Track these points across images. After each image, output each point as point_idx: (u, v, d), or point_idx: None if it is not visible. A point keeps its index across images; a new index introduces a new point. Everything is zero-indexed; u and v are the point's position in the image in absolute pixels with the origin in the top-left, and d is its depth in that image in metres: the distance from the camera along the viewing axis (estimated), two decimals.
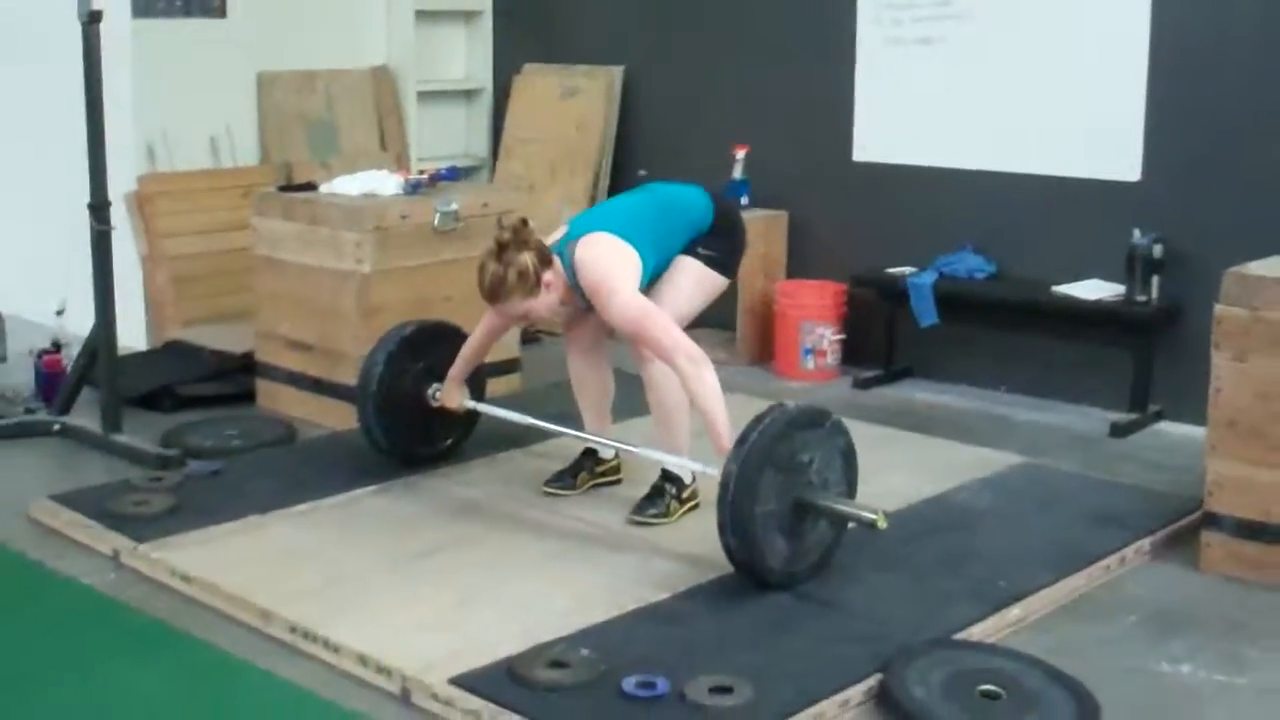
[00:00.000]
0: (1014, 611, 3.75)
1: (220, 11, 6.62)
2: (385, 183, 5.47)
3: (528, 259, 4.05)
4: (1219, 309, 4.04)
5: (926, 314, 5.87)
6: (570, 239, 4.22)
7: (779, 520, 3.77)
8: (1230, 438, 4.04)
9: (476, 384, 4.84)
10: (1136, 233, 5.43)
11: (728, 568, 3.86)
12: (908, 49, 6.06)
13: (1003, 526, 4.35)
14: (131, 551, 4.10)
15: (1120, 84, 5.51)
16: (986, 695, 3.25)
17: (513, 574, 3.96)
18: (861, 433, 5.17)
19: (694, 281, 4.39)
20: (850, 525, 3.91)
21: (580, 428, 4.58)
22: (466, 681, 3.27)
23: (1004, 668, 3.38)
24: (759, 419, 3.80)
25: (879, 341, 6.19)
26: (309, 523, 4.35)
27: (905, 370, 6.21)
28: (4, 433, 5.23)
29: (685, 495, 4.37)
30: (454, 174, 5.92)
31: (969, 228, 6.01)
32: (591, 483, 4.60)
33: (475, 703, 3.19)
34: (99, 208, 4.97)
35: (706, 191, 4.48)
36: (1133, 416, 5.49)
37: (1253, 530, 4.02)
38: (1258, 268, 4.07)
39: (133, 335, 6.41)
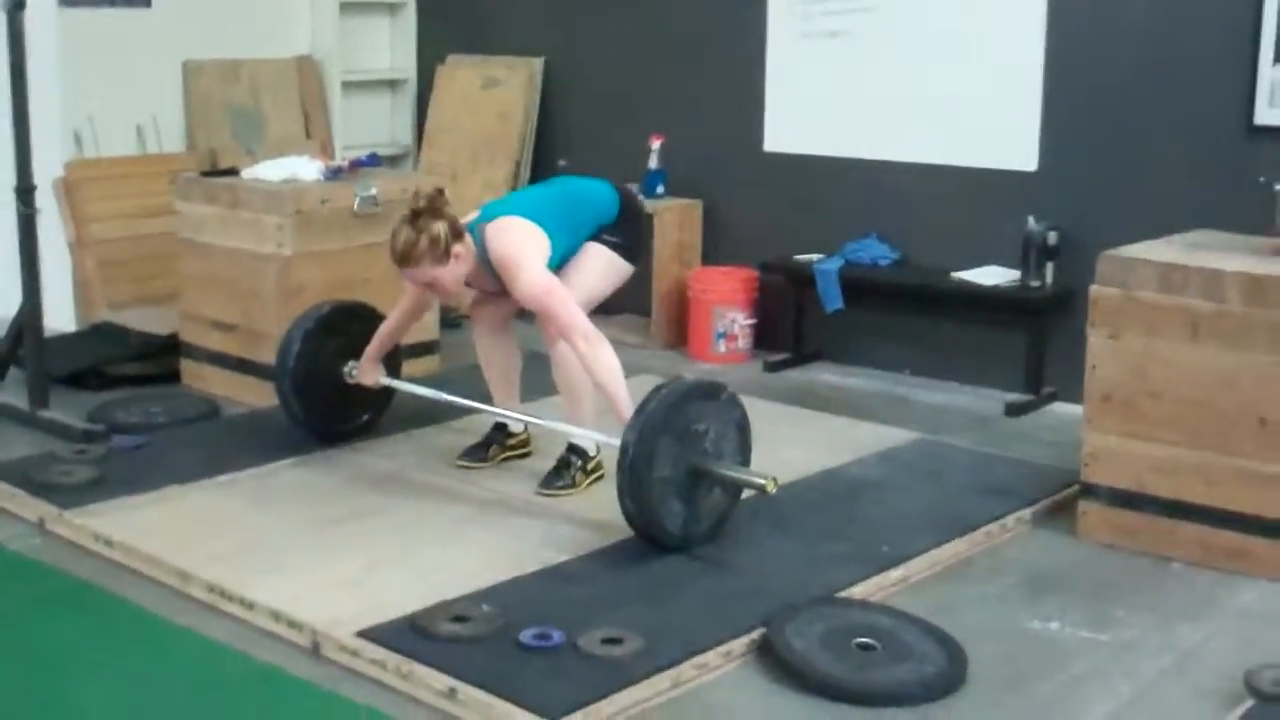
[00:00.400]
0: (896, 573, 3.97)
1: (145, 2, 6.72)
2: (306, 168, 5.62)
3: (440, 228, 4.24)
4: (1094, 289, 4.28)
5: (832, 299, 6.10)
6: (483, 220, 4.42)
7: (675, 486, 3.97)
8: (1105, 411, 4.28)
9: (392, 363, 5.02)
10: (1031, 220, 5.67)
11: (629, 532, 4.06)
12: (816, 42, 6.29)
13: (892, 496, 4.57)
14: (56, 518, 4.25)
15: (1017, 78, 5.75)
16: (862, 647, 3.46)
17: (423, 539, 4.14)
18: (765, 411, 5.44)
19: (601, 265, 4.59)
20: (744, 493, 4.14)
21: (491, 405, 4.77)
22: (373, 634, 3.45)
23: (880, 623, 3.60)
24: (657, 390, 4.02)
25: (789, 326, 6.41)
26: (228, 492, 4.52)
27: (815, 354, 6.43)
28: None
29: (590, 467, 4.56)
30: (374, 160, 6.09)
31: (875, 216, 6.23)
32: (502, 456, 4.79)
33: (380, 653, 3.37)
34: (24, 191, 5.09)
35: (613, 186, 4.70)
36: (1027, 397, 5.73)
37: (1126, 499, 4.26)
38: (1132, 250, 4.31)
39: (62, 317, 6.51)
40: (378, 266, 5.55)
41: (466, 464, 4.74)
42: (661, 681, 3.31)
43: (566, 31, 7.18)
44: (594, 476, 4.56)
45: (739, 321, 6.41)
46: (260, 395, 5.45)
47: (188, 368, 5.81)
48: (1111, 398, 4.25)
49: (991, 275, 5.80)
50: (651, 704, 3.27)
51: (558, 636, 3.43)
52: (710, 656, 3.43)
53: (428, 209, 4.26)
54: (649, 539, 4.01)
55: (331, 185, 5.58)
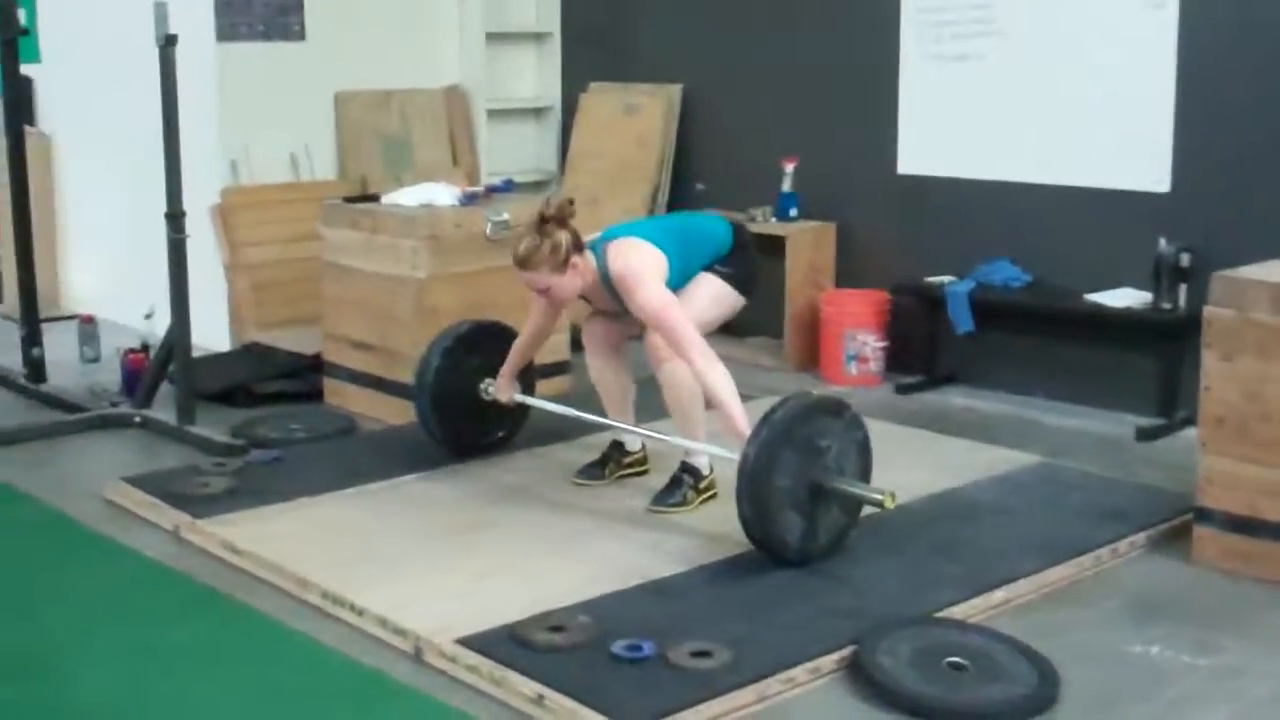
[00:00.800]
0: (998, 595, 3.96)
1: (300, 35, 7.02)
2: (443, 194, 5.82)
3: (563, 237, 4.38)
4: (1208, 310, 4.22)
5: (963, 321, 6.08)
6: (604, 240, 4.54)
7: (794, 498, 4.03)
8: (1219, 435, 4.21)
9: (527, 381, 5.17)
10: (1162, 242, 5.59)
11: (734, 549, 4.14)
12: (948, 64, 6.28)
13: (1004, 519, 4.55)
14: (189, 526, 4.48)
15: (1149, 97, 5.68)
16: (953, 667, 3.47)
17: (533, 551, 4.27)
18: (888, 433, 5.47)
19: (713, 294, 4.68)
20: (862, 510, 4.20)
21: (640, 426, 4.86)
22: (471, 642, 3.57)
23: (974, 643, 3.60)
24: (783, 401, 4.11)
25: (921, 349, 6.40)
26: (353, 504, 4.70)
27: (948, 377, 6.40)
28: (90, 424, 5.67)
29: (703, 485, 4.64)
30: (509, 186, 6.27)
31: (1007, 238, 6.20)
32: (619, 474, 4.89)
33: (476, 659, 3.49)
34: (174, 217, 5.37)
35: (727, 221, 4.83)
36: (1159, 422, 5.63)
37: (1241, 524, 4.18)
38: (1247, 271, 4.24)
39: (216, 337, 6.85)
40: (511, 289, 5.66)
41: (583, 481, 4.85)
42: (746, 695, 3.37)
43: (704, 58, 7.28)
44: (706, 495, 4.63)
45: (870, 344, 6.42)
46: (396, 413, 5.65)
47: (330, 386, 6.05)
48: (1225, 421, 4.18)
49: (1123, 298, 5.73)
50: (734, 717, 3.32)
51: (648, 648, 3.51)
52: (798, 672, 3.48)
53: (554, 217, 4.40)
54: (764, 548, 4.07)
55: (466, 210, 5.76)
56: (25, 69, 7.95)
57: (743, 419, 4.17)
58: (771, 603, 3.86)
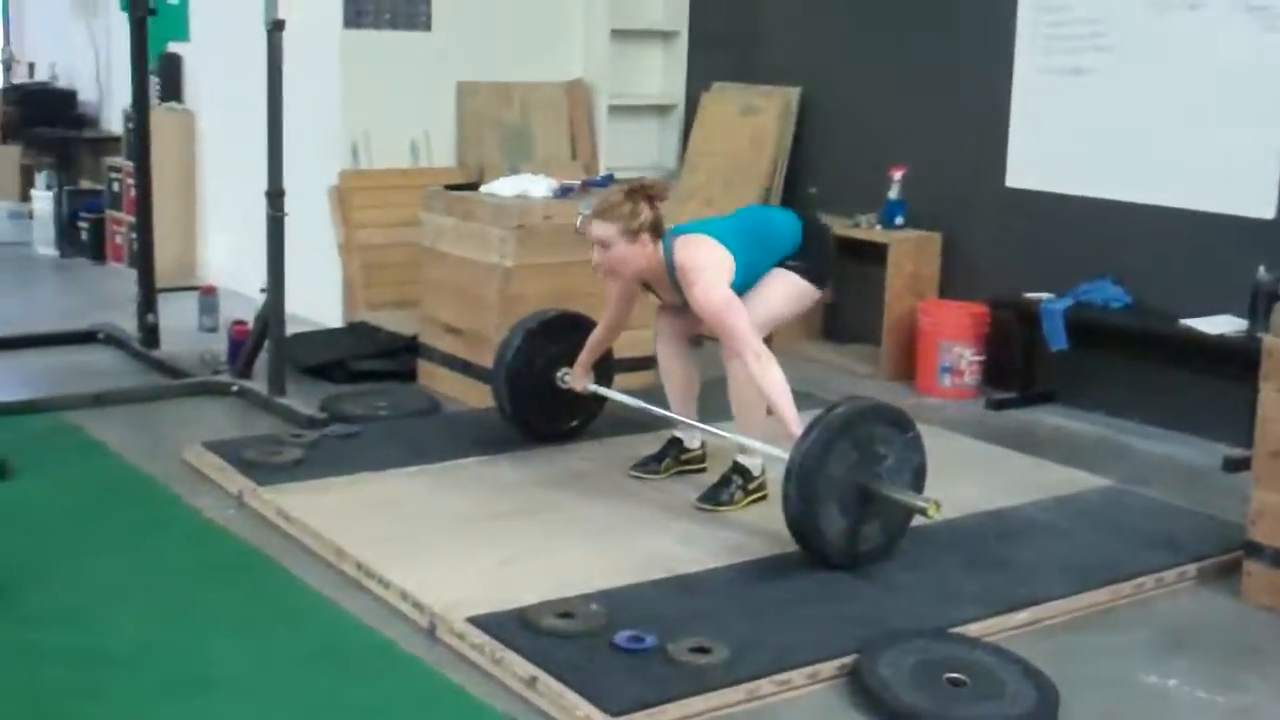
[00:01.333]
0: (1021, 615, 3.91)
1: (426, 25, 7.20)
2: (538, 185, 5.92)
3: (646, 210, 4.48)
4: (1268, 341, 4.11)
5: (1056, 339, 5.97)
6: (674, 234, 4.59)
7: (840, 492, 4.03)
8: (1274, 469, 4.09)
9: (606, 373, 5.25)
10: (1261, 269, 5.42)
11: (769, 550, 4.17)
12: (1060, 78, 6.17)
13: (1052, 540, 4.47)
14: (251, 492, 4.66)
15: (1258, 122, 5.52)
16: (952, 683, 3.44)
17: (569, 539, 4.34)
18: (965, 447, 5.45)
19: (784, 289, 4.67)
20: (910, 522, 4.20)
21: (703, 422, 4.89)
22: (481, 621, 3.66)
23: (981, 661, 3.56)
24: (853, 398, 4.19)
25: (1019, 364, 6.30)
26: (412, 482, 4.83)
27: (1046, 395, 6.29)
28: (189, 390, 5.93)
29: (752, 486, 4.65)
30: (607, 181, 6.32)
31: (1110, 257, 6.07)
32: (675, 469, 4.93)
33: (482, 638, 3.58)
34: (274, 196, 5.57)
35: (796, 214, 4.82)
36: (1248, 453, 5.43)
37: None
38: None
39: (330, 314, 7.08)
40: (597, 282, 5.81)
41: (638, 474, 4.91)
42: (736, 694, 3.39)
43: (823, 62, 7.26)
44: (755, 496, 4.64)
45: (966, 357, 6.34)
46: (481, 397, 5.76)
47: (423, 368, 6.21)
48: None
49: (1219, 324, 5.56)
50: (720, 714, 3.35)
51: (650, 640, 3.55)
52: (794, 675, 3.49)
53: (649, 192, 4.51)
54: (800, 536, 4.07)
55: (558, 202, 5.86)
56: (174, 47, 8.40)
57: (796, 421, 4.18)
58: (787, 604, 3.87)
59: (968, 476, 5.03)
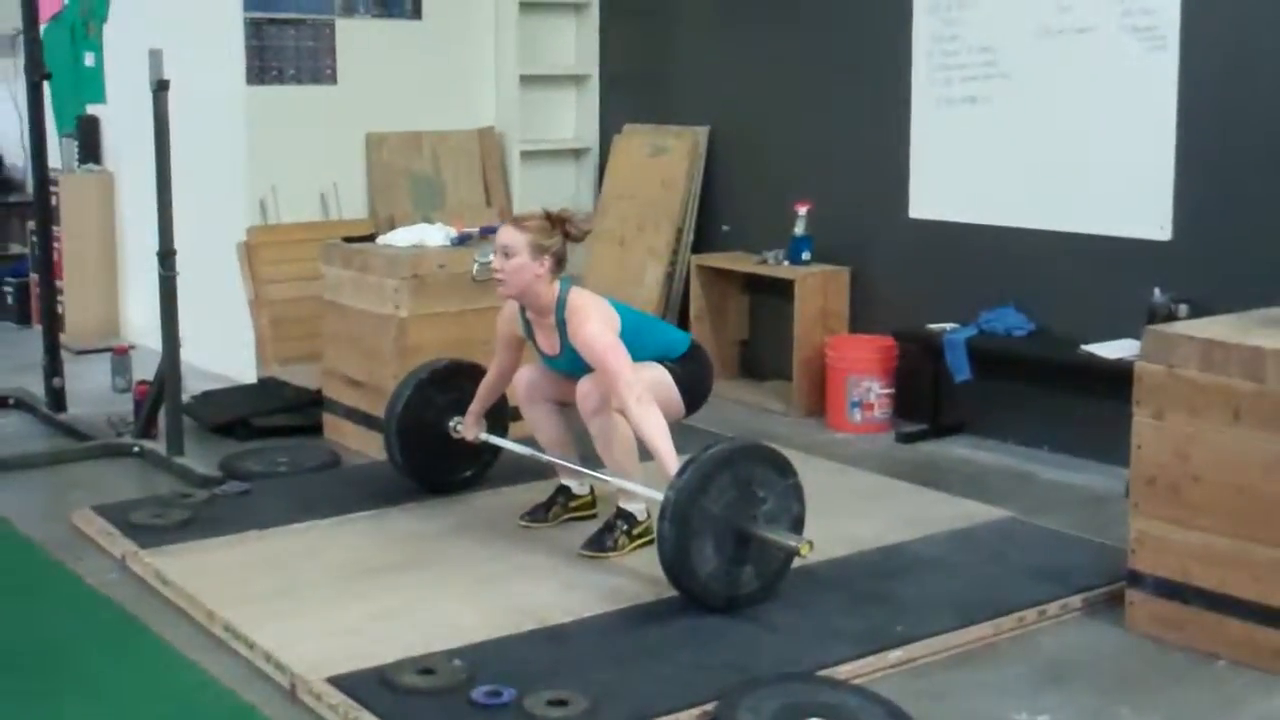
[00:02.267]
0: (895, 654, 3.85)
1: (332, 79, 7.19)
2: (434, 235, 5.90)
3: (559, 239, 4.50)
4: (1138, 366, 4.08)
5: (960, 370, 5.95)
6: (570, 283, 4.58)
7: (715, 528, 3.99)
8: (1150, 496, 4.05)
9: (499, 420, 5.20)
10: (1156, 291, 5.41)
11: (644, 598, 4.12)
12: (957, 108, 6.18)
13: (939, 576, 4.42)
14: (133, 555, 4.60)
15: (1150, 142, 5.53)
16: None
17: (446, 593, 4.28)
18: (864, 482, 5.43)
19: (656, 378, 4.57)
20: (789, 565, 4.17)
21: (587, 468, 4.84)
22: (340, 681, 3.60)
23: (846, 704, 3.51)
24: (735, 437, 4.22)
25: (928, 396, 6.27)
26: (297, 538, 4.77)
27: (956, 426, 6.26)
28: (91, 453, 5.87)
29: (637, 531, 4.60)
30: None
31: (1013, 284, 6.06)
32: (565, 516, 4.88)
33: (339, 699, 3.52)
34: (165, 256, 5.53)
35: (690, 336, 4.84)
36: None
37: (1172, 590, 4.01)
38: (1179, 325, 4.08)
39: (243, 370, 7.03)
40: (494, 329, 5.78)
41: (526, 523, 4.86)
42: None
43: (730, 101, 7.27)
44: (640, 541, 4.59)
45: (875, 390, 6.31)
46: (382, 449, 5.72)
47: (329, 421, 6.16)
48: (1156, 481, 4.02)
49: (1119, 349, 5.53)
50: None
51: (508, 695, 3.50)
52: None
53: (568, 226, 4.54)
54: (675, 577, 4.02)
55: (453, 251, 5.83)
56: (93, 109, 8.35)
57: (674, 463, 4.14)
58: (655, 652, 3.82)
59: (865, 512, 5.01)
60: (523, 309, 4.66)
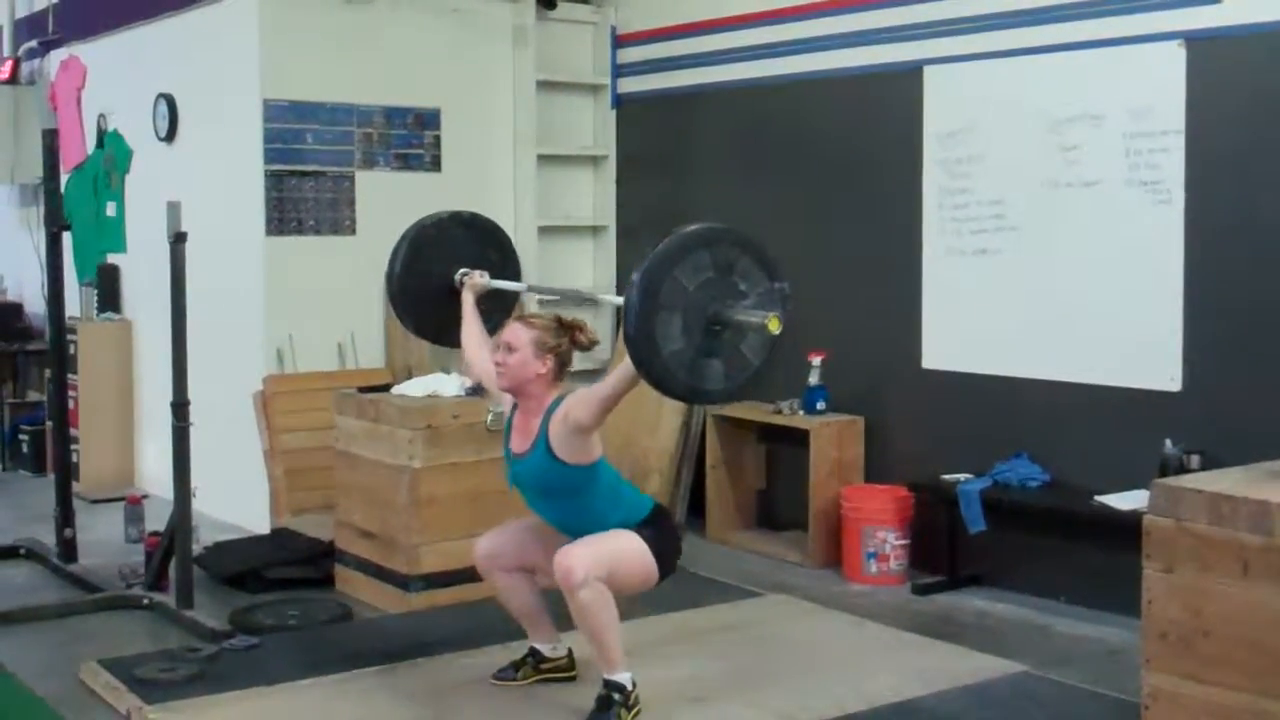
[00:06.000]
0: None
1: (351, 230, 7.30)
2: (448, 385, 5.93)
3: (565, 342, 4.50)
4: (1147, 520, 4.05)
5: (975, 520, 5.92)
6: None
7: (685, 307, 3.88)
8: (1162, 651, 4.00)
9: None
10: (1168, 443, 5.39)
11: None
12: (967, 259, 6.23)
13: None
14: (138, 712, 4.55)
15: (1158, 294, 5.57)
16: None
17: None
18: (879, 636, 5.38)
19: (631, 548, 4.42)
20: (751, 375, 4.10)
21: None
22: None
23: None
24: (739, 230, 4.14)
25: (944, 547, 6.22)
26: (301, 696, 4.72)
27: (972, 578, 6.21)
28: (100, 606, 5.84)
29: (631, 702, 4.43)
30: None
31: (1027, 435, 6.06)
32: (535, 678, 4.77)
33: None
34: (179, 406, 5.57)
35: (655, 501, 4.69)
36: None
37: None
38: (1187, 478, 4.06)
39: (258, 520, 7.03)
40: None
41: (497, 682, 4.78)
42: None
43: None
44: (636, 709, 4.43)
45: (890, 541, 6.27)
46: (394, 602, 5.71)
47: (341, 573, 6.13)
48: (1168, 635, 3.97)
49: (1132, 500, 5.50)
50: None
51: None
52: None
53: (572, 330, 4.53)
54: (636, 349, 3.87)
55: (467, 401, 5.85)
56: (113, 258, 8.49)
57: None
58: None
59: (880, 667, 4.96)
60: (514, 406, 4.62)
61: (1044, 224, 5.95)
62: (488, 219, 5.36)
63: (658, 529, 4.51)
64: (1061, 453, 5.94)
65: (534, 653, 4.82)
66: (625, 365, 4.10)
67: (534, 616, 4.77)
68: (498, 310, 5.16)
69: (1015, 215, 6.05)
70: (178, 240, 5.51)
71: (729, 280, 3.95)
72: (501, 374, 4.55)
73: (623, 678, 4.44)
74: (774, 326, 3.89)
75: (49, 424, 8.65)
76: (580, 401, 4.33)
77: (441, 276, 5.10)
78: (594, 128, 8.21)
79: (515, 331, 4.53)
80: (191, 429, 5.62)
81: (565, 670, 4.82)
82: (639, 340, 3.86)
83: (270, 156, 7.10)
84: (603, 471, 4.47)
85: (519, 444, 4.56)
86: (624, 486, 4.62)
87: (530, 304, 7.21)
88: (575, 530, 4.42)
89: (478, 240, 5.24)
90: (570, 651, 4.81)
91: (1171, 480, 4.06)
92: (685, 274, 3.88)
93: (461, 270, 5.09)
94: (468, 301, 5.03)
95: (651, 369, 3.91)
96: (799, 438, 6.68)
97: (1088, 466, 5.83)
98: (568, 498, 4.45)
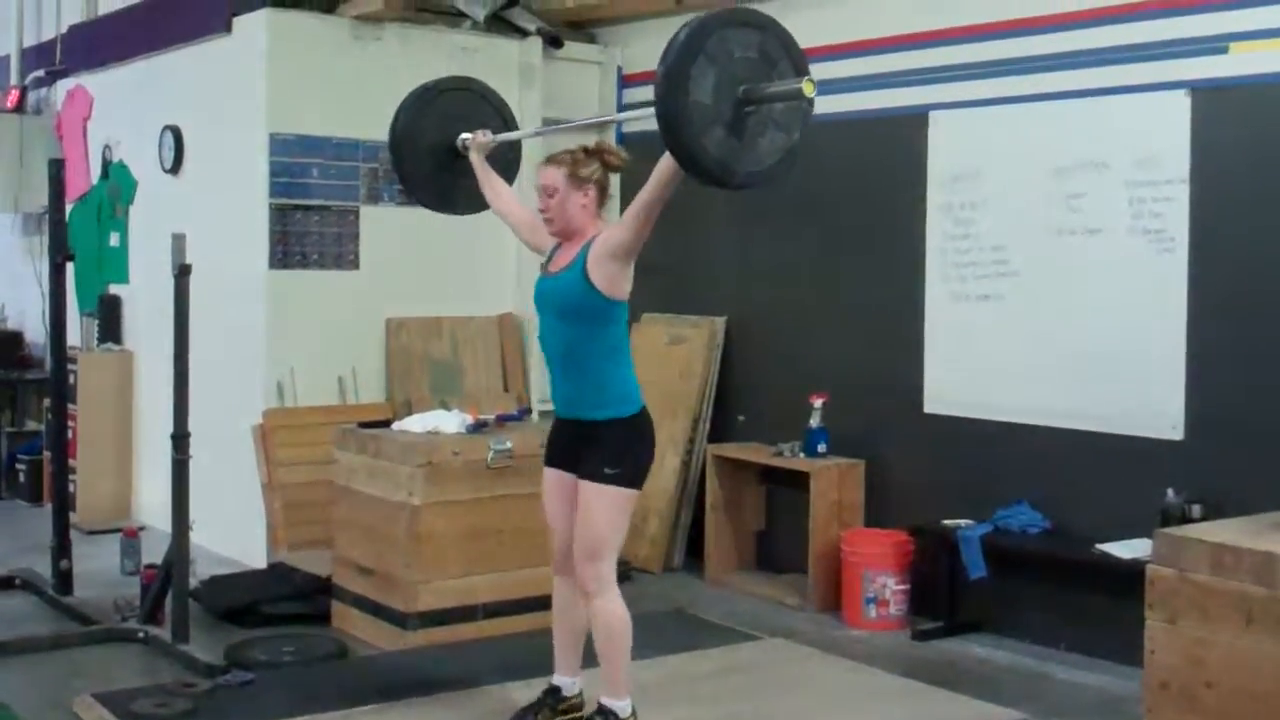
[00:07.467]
0: None
1: (354, 264, 7.31)
2: (450, 421, 5.91)
3: (597, 165, 4.47)
4: (1150, 569, 4.04)
5: (975, 566, 5.90)
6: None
7: (722, 69, 3.79)
8: (1164, 701, 3.99)
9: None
10: (1170, 492, 5.38)
11: None
12: (970, 305, 6.23)
13: None
14: None
15: (1161, 342, 5.58)
16: None
17: None
18: (877, 683, 5.34)
19: (615, 522, 4.49)
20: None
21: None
22: None
23: None
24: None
25: (944, 593, 6.19)
26: None
27: (973, 624, 6.17)
28: (95, 638, 5.81)
29: None
30: (522, 415, 6.34)
31: (1028, 481, 6.05)
32: (554, 719, 4.74)
33: None
34: (179, 438, 5.56)
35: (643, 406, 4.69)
36: None
37: None
38: (1189, 529, 4.05)
39: (255, 554, 7.01)
40: (511, 518, 5.78)
41: None
42: None
43: (747, 292, 7.35)
44: None
45: (890, 586, 6.24)
46: (390, 639, 5.67)
47: (337, 609, 6.10)
48: (1169, 686, 3.96)
49: (1133, 549, 5.48)
50: None
51: None
52: None
53: (600, 154, 4.50)
54: (665, 87, 3.74)
55: (468, 438, 5.83)
56: (115, 289, 8.49)
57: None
58: None
59: (879, 714, 4.95)
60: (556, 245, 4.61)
61: (1047, 271, 5.96)
62: (477, 80, 5.37)
63: (640, 434, 4.58)
64: (1063, 500, 5.92)
65: (553, 691, 4.75)
66: (659, 168, 4.10)
67: (574, 641, 4.72)
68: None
69: (1018, 261, 6.06)
70: (182, 273, 5.51)
71: (767, 66, 3.90)
72: (550, 220, 4.54)
73: (620, 706, 4.42)
74: (809, 90, 3.83)
75: (47, 454, 8.65)
76: (619, 224, 4.36)
77: (440, 145, 5.10)
78: None
79: (548, 174, 4.50)
80: (190, 461, 5.60)
81: (577, 711, 4.77)
82: (672, 75, 3.74)
83: (275, 190, 7.11)
84: (620, 318, 4.50)
85: (555, 266, 4.58)
86: (627, 358, 4.62)
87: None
88: (572, 380, 4.51)
89: (473, 103, 5.21)
90: (581, 692, 4.77)
91: (1175, 530, 4.05)
92: (734, 39, 3.84)
93: (463, 135, 5.07)
94: (478, 162, 5.03)
95: (671, 111, 3.75)
96: (799, 480, 6.66)
97: (1089, 514, 5.81)
98: (581, 325, 4.45)
